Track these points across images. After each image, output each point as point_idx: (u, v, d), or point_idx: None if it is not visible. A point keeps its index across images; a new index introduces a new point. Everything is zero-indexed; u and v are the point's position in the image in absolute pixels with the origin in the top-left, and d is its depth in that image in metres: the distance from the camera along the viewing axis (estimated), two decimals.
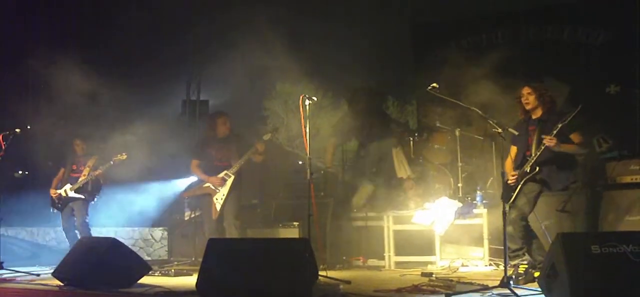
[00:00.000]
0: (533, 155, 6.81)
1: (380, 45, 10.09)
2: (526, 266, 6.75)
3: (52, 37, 9.85)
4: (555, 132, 6.58)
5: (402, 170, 9.43)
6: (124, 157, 9.10)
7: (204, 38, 10.15)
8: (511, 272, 6.48)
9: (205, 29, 10.30)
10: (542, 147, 6.68)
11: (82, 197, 9.19)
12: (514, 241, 6.83)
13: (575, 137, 6.79)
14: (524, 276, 6.61)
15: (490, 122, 6.49)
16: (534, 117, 7.06)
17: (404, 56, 10.54)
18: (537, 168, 6.76)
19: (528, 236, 6.94)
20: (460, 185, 8.93)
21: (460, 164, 9.01)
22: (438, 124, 9.33)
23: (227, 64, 10.11)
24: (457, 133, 9.08)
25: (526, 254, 6.88)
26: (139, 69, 10.78)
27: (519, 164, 7.05)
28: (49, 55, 9.82)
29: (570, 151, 6.84)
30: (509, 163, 7.19)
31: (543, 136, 6.68)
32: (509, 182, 6.93)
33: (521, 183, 6.85)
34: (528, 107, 7.05)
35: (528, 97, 7.03)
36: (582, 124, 6.84)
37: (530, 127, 7.02)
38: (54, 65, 9.81)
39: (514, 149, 7.23)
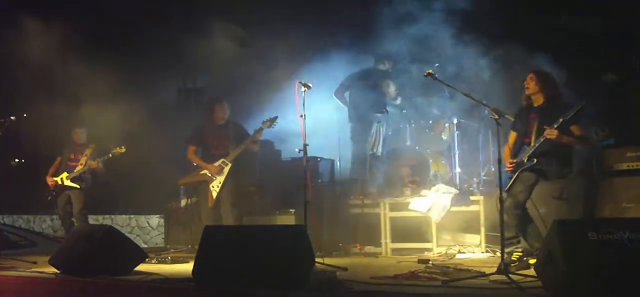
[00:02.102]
0: (532, 144, 6.77)
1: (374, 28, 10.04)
2: (520, 254, 6.73)
3: (49, 23, 9.80)
4: (556, 125, 6.54)
5: (371, 146, 9.43)
6: (123, 150, 9.11)
7: (202, 26, 10.10)
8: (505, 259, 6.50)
9: (203, 16, 10.25)
10: (542, 139, 6.64)
11: (78, 186, 9.18)
12: (508, 229, 6.79)
13: (575, 129, 6.72)
14: (517, 263, 6.61)
15: (488, 108, 6.49)
16: (535, 104, 6.99)
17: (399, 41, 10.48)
18: (535, 160, 6.72)
19: (523, 223, 6.92)
20: (456, 171, 8.93)
21: (457, 150, 9.02)
22: (435, 111, 9.32)
23: (225, 51, 10.07)
24: (454, 120, 9.08)
25: (520, 241, 6.85)
26: (135, 55, 10.73)
27: (516, 151, 7.02)
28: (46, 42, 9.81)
29: (570, 144, 6.80)
30: (507, 149, 7.14)
31: (545, 127, 6.64)
32: (506, 169, 6.91)
33: (518, 172, 6.80)
34: (528, 92, 7.00)
35: (529, 82, 6.98)
36: (583, 119, 6.80)
37: (531, 114, 6.96)
38: (50, 53, 9.81)
39: (513, 135, 7.18)
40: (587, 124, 7.22)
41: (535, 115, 6.92)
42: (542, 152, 6.75)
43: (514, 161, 6.89)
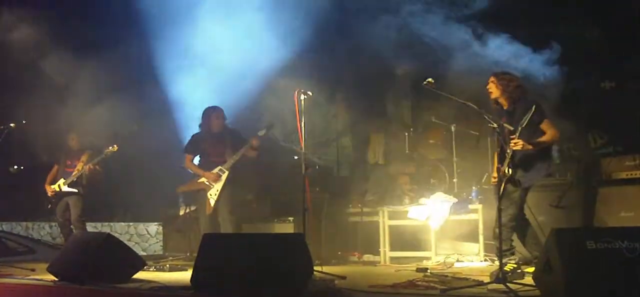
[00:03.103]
0: (508, 152, 6.48)
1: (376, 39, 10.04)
2: (514, 265, 6.64)
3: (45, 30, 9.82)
4: (517, 134, 6.33)
5: (372, 155, 9.43)
6: (116, 148, 9.10)
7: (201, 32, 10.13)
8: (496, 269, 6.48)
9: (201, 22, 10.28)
10: (510, 152, 6.41)
11: (76, 191, 9.18)
12: (503, 241, 6.71)
13: (545, 126, 6.56)
14: (510, 275, 6.53)
15: (486, 117, 6.46)
16: (504, 108, 6.85)
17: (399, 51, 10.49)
18: (510, 171, 6.39)
19: (522, 230, 6.87)
20: (455, 180, 8.93)
21: (455, 159, 9.01)
22: (433, 119, 9.32)
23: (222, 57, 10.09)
24: (452, 128, 9.07)
25: (514, 253, 6.77)
26: (133, 62, 10.74)
27: (500, 159, 6.67)
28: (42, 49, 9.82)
29: (543, 144, 6.62)
30: (495, 158, 6.91)
31: (511, 137, 6.41)
32: (491, 182, 6.83)
33: (503, 184, 6.44)
34: (492, 96, 6.86)
35: (491, 85, 6.84)
36: (546, 113, 6.61)
37: (503, 118, 6.75)
38: (46, 59, 9.83)
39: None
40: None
41: (505, 119, 6.72)
42: (518, 160, 6.56)
43: (496, 175, 6.67)
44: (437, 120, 9.11)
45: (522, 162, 6.61)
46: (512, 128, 6.48)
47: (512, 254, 6.77)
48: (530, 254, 6.80)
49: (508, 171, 6.39)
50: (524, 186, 6.67)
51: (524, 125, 6.29)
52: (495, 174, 6.71)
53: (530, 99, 6.72)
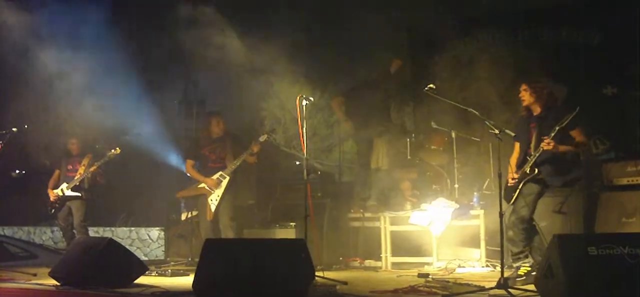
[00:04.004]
0: (533, 154, 6.72)
1: (378, 46, 10.06)
2: (529, 269, 6.68)
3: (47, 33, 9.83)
4: (552, 134, 6.50)
5: (374, 160, 9.42)
6: (118, 151, 9.10)
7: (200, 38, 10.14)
8: (510, 273, 6.51)
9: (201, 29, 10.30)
10: (540, 150, 6.60)
11: (79, 195, 9.18)
12: (515, 244, 6.76)
13: (576, 134, 6.69)
14: (524, 278, 6.58)
15: (488, 123, 6.49)
16: (534, 114, 6.97)
17: (402, 57, 10.51)
18: (536, 170, 6.66)
19: (530, 237, 6.89)
20: (456, 186, 8.92)
21: (456, 165, 9.01)
22: (433, 125, 9.31)
23: (224, 64, 10.10)
24: (453, 134, 9.06)
25: (528, 256, 6.79)
26: (136, 69, 10.76)
27: (520, 163, 6.93)
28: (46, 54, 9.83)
29: (570, 151, 6.75)
30: (512, 161, 7.08)
31: (543, 137, 6.60)
32: (509, 183, 6.89)
33: (521, 184, 6.75)
34: (524, 103, 6.98)
35: (523, 93, 6.95)
36: (581, 122, 6.73)
37: (531, 124, 6.93)
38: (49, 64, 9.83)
39: (517, 147, 7.11)
40: (588, 132, 7.16)
41: (535, 124, 6.88)
42: (543, 161, 6.71)
43: (517, 174, 6.84)
44: (437, 126, 9.10)
45: (551, 164, 6.74)
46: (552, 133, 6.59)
47: (526, 256, 6.80)
48: (535, 260, 6.79)
49: (531, 170, 6.64)
50: (552, 188, 6.88)
51: (563, 125, 6.46)
52: (515, 175, 6.85)
53: (562, 106, 6.95)
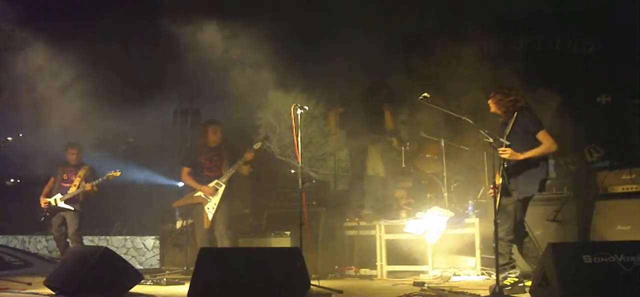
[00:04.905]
0: (501, 164, 6.51)
1: (373, 55, 10.08)
2: (515, 279, 6.62)
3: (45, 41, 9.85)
4: (504, 143, 6.37)
5: (371, 167, 9.41)
6: (118, 174, 9.08)
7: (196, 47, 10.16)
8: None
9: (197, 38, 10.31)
10: (502, 162, 6.43)
11: (72, 209, 9.15)
12: (501, 256, 6.68)
13: (542, 136, 6.53)
14: (511, 288, 6.54)
15: (482, 132, 6.47)
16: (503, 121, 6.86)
17: (396, 65, 10.55)
18: (502, 180, 6.47)
19: (521, 246, 6.84)
20: (445, 194, 8.89)
21: (445, 174, 8.97)
22: (422, 134, 9.29)
23: (221, 72, 10.11)
24: (442, 143, 9.03)
25: (514, 267, 6.72)
26: (131, 77, 10.78)
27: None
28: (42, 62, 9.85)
29: (537, 155, 6.56)
30: (499, 172, 6.80)
31: (502, 147, 6.45)
32: (488, 193, 6.82)
33: (498, 197, 6.44)
34: (491, 110, 6.91)
35: (490, 101, 6.88)
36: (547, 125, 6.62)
37: (500, 130, 6.77)
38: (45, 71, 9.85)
39: None
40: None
41: (500, 131, 6.71)
42: (511, 171, 6.57)
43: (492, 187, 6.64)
44: (426, 135, 9.09)
45: (516, 173, 6.59)
46: (507, 141, 6.50)
47: (512, 267, 6.73)
48: (530, 267, 6.77)
49: (500, 179, 6.43)
50: (518, 197, 6.62)
51: (508, 134, 6.36)
52: (491, 186, 6.67)
53: (526, 109, 6.73)
